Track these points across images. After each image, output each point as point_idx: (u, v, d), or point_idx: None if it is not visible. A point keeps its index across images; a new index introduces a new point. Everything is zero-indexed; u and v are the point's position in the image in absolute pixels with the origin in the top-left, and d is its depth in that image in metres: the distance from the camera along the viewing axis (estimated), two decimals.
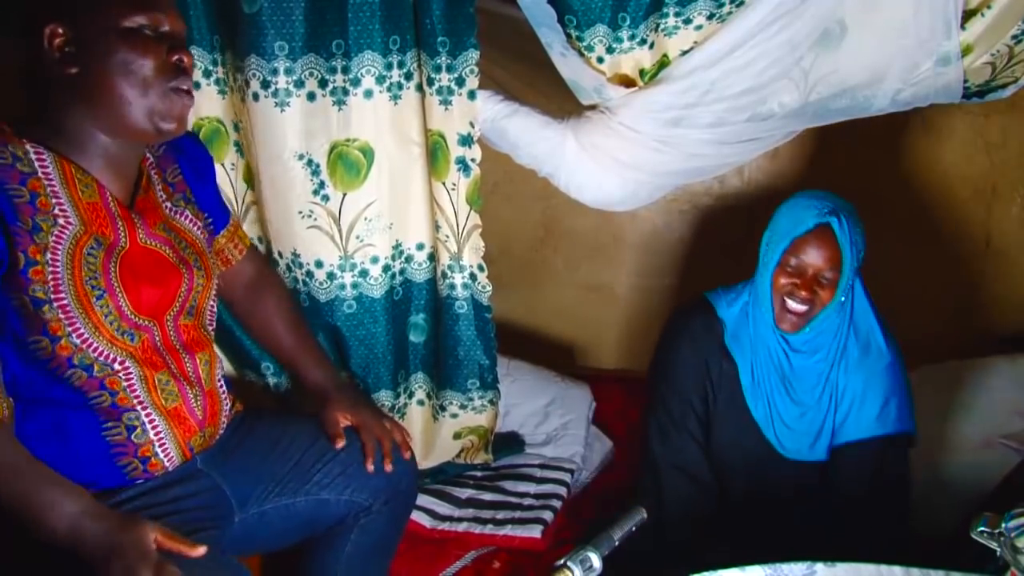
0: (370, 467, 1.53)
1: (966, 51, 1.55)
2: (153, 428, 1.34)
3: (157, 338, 1.36)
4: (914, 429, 1.68)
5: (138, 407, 1.32)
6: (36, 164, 1.25)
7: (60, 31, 1.25)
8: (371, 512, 1.53)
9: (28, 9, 1.27)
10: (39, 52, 1.26)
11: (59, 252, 1.24)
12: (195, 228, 1.48)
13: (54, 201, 1.25)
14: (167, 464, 1.36)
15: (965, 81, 1.60)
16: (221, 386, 1.49)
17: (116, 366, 1.30)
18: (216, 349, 1.52)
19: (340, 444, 1.53)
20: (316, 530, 1.53)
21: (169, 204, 1.44)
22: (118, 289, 1.30)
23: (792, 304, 1.61)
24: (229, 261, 1.64)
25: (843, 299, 1.62)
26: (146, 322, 1.34)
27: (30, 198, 1.23)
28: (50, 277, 1.23)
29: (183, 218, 1.46)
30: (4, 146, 1.24)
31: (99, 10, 1.26)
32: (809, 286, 1.59)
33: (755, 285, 1.68)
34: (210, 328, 1.49)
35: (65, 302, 1.25)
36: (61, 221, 1.25)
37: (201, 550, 1.18)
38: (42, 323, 1.24)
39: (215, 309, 1.50)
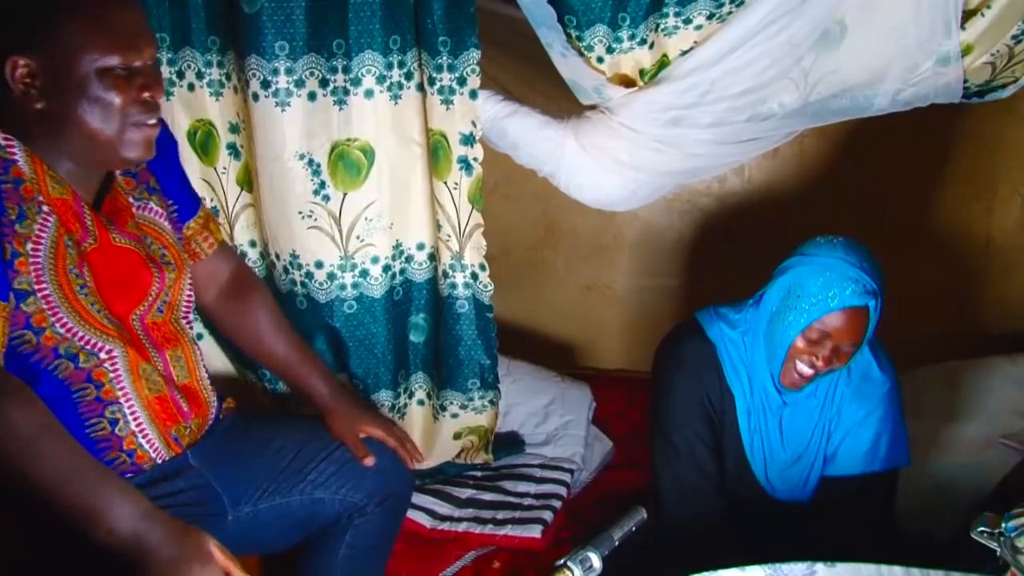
0: (368, 461, 1.52)
1: (966, 51, 1.55)
2: (134, 419, 1.33)
3: (126, 337, 1.34)
4: (906, 461, 1.64)
5: (121, 399, 1.31)
6: (10, 154, 1.23)
7: (23, 64, 1.21)
8: (365, 513, 1.53)
9: None
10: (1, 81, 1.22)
11: (43, 241, 1.22)
12: (161, 219, 1.45)
13: (36, 189, 1.24)
14: (154, 455, 1.35)
15: (965, 81, 1.60)
16: (203, 378, 1.47)
17: (102, 355, 1.28)
18: (192, 342, 1.47)
19: (371, 462, 1.52)
20: (311, 530, 1.53)
21: (133, 198, 1.41)
22: (91, 285, 1.28)
23: (803, 368, 1.55)
24: (197, 255, 1.58)
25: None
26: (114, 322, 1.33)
27: (14, 184, 1.21)
28: (32, 268, 1.21)
29: (148, 212, 1.43)
30: None
31: (73, 49, 1.22)
32: (829, 359, 1.53)
33: (762, 331, 1.61)
34: (184, 322, 1.46)
35: (47, 291, 1.23)
36: (46, 209, 1.24)
37: None
38: (25, 316, 1.22)
39: (192, 301, 1.47)
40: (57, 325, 1.24)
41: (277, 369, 1.69)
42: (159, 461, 1.36)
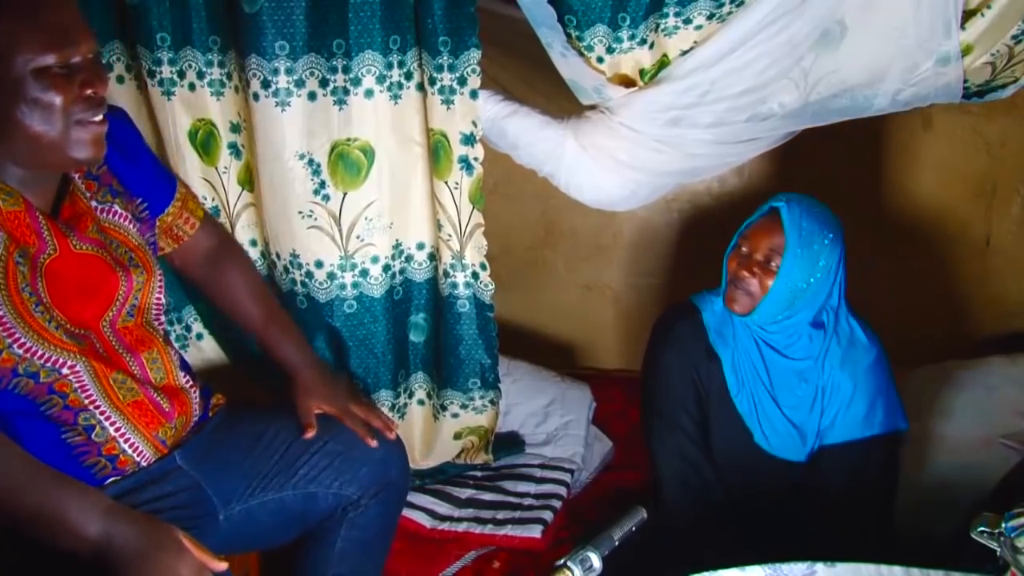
0: (372, 443, 1.52)
1: (966, 51, 1.55)
2: (112, 425, 1.31)
3: (97, 345, 1.32)
4: (904, 424, 1.68)
5: (91, 407, 1.29)
6: None
7: None
8: (360, 506, 1.51)
9: None
10: None
11: None
12: (127, 223, 1.42)
13: None
14: (139, 460, 1.34)
15: (965, 81, 1.60)
16: (183, 377, 1.45)
17: (64, 370, 1.26)
18: (167, 343, 1.46)
19: (310, 434, 1.50)
20: (307, 525, 1.51)
21: (96, 202, 1.38)
22: (48, 302, 1.25)
23: (736, 285, 1.63)
24: (180, 238, 1.57)
25: (801, 284, 1.60)
26: (81, 331, 1.30)
27: None
28: None
29: (112, 215, 1.40)
30: None
31: (4, 52, 1.18)
32: (750, 268, 1.61)
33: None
34: (156, 324, 1.44)
35: (1, 313, 1.19)
36: None
37: (223, 566, 1.15)
38: None
39: (162, 303, 1.45)
40: (15, 346, 1.21)
41: (253, 332, 1.66)
42: (144, 464, 1.35)
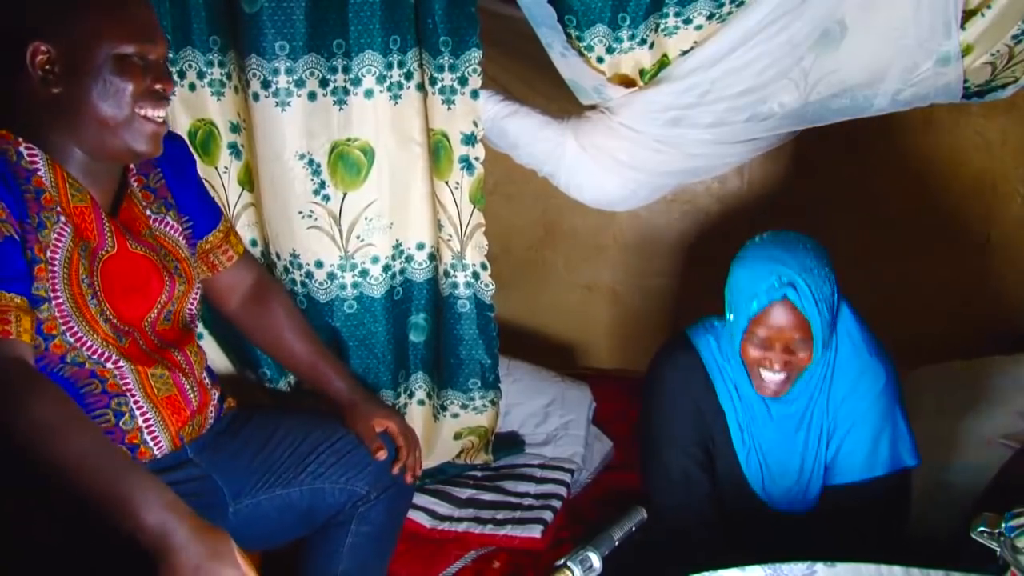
0: (408, 478, 1.58)
1: (966, 51, 1.56)
2: (142, 415, 1.34)
3: (140, 343, 1.37)
4: (912, 460, 1.58)
5: (127, 394, 1.33)
6: (31, 164, 1.26)
7: (44, 49, 1.24)
8: (369, 500, 1.54)
9: (8, 24, 1.25)
10: (18, 67, 1.24)
11: (59, 250, 1.25)
12: (176, 234, 1.48)
13: (56, 198, 1.27)
14: (156, 453, 1.37)
15: (965, 81, 1.60)
16: (206, 377, 1.50)
17: (108, 364, 1.31)
18: (200, 345, 1.52)
19: (383, 455, 1.53)
20: (314, 522, 1.53)
21: (150, 212, 1.44)
22: (100, 296, 1.31)
23: (766, 375, 1.52)
24: (216, 267, 1.60)
25: (825, 338, 1.51)
26: (126, 327, 1.34)
27: (35, 194, 1.24)
28: (49, 276, 1.24)
29: (164, 225, 1.46)
30: (7, 143, 1.24)
31: (93, 35, 1.26)
32: (781, 358, 1.49)
33: (729, 341, 1.58)
34: (191, 326, 1.50)
35: (61, 300, 1.25)
36: (63, 219, 1.26)
37: None
38: (37, 321, 1.24)
39: (194, 311, 1.50)
40: (68, 334, 1.27)
41: (298, 370, 1.71)
42: (158, 455, 1.37)
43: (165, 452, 1.38)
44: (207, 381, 1.49)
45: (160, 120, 1.33)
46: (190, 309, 1.48)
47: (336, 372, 1.65)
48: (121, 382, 1.32)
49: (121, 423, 1.33)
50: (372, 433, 1.56)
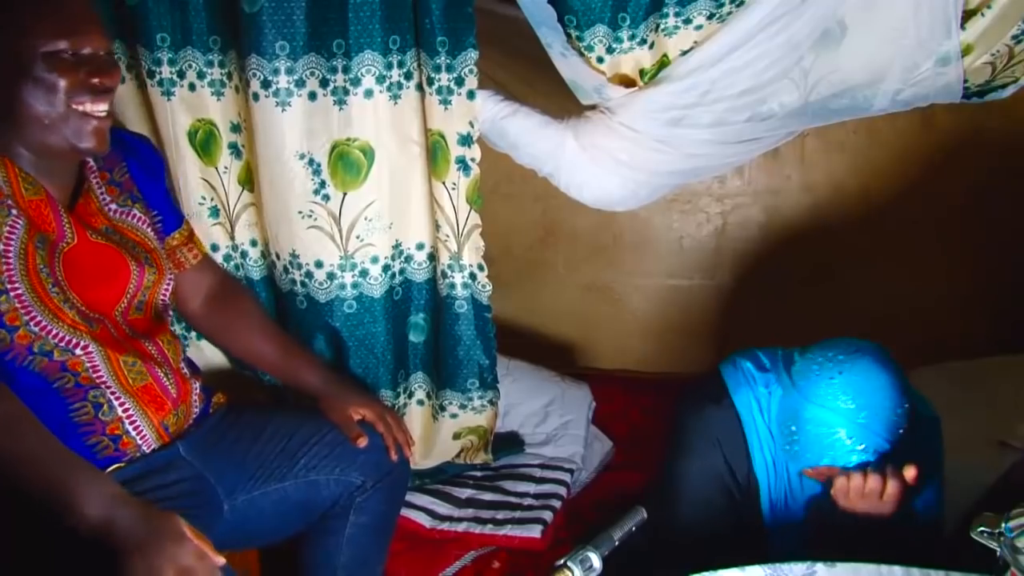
0: (394, 456, 1.57)
1: (966, 51, 1.55)
2: (121, 406, 1.35)
3: (112, 330, 1.37)
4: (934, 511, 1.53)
5: (101, 386, 1.33)
6: None
7: None
8: (366, 490, 1.54)
9: None
10: None
11: (12, 242, 1.26)
12: (144, 226, 1.48)
13: (7, 192, 1.27)
14: (141, 444, 1.37)
15: (965, 81, 1.60)
16: (183, 367, 1.50)
17: (77, 351, 1.31)
18: (174, 334, 1.52)
19: (363, 443, 1.53)
20: (311, 515, 1.54)
21: (115, 205, 1.45)
22: (64, 285, 1.31)
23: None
24: (182, 264, 1.62)
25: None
26: (96, 315, 1.35)
27: None
28: (4, 267, 1.24)
29: (131, 217, 1.46)
30: None
31: (19, 33, 1.26)
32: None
33: (775, 409, 1.47)
34: (164, 316, 1.50)
35: (20, 291, 1.26)
36: (15, 212, 1.27)
37: (221, 560, 1.16)
38: None
39: (167, 302, 1.50)
40: (31, 324, 1.27)
41: (269, 367, 1.71)
42: (146, 450, 1.38)
43: (153, 446, 1.38)
44: (186, 371, 1.49)
45: (101, 114, 1.32)
46: (163, 299, 1.48)
47: (307, 366, 1.66)
48: (94, 374, 1.32)
49: (100, 414, 1.33)
50: (350, 421, 1.56)
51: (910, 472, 1.35)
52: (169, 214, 1.59)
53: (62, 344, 1.29)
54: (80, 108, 1.29)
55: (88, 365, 1.32)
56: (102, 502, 1.14)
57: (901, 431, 1.37)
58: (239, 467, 1.48)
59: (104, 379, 1.33)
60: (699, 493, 1.51)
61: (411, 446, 1.64)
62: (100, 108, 1.32)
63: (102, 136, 1.33)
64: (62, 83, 1.27)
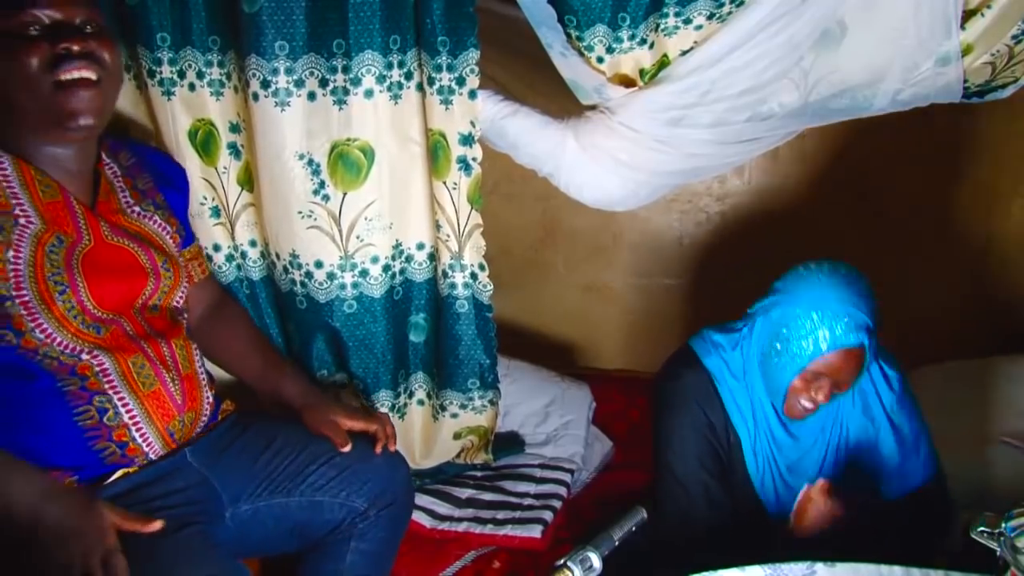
0: (392, 447, 1.58)
1: (966, 51, 1.55)
2: (127, 412, 1.34)
3: (128, 328, 1.37)
4: (933, 474, 1.61)
5: (109, 391, 1.33)
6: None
7: None
8: (368, 517, 1.52)
9: None
10: None
11: (21, 249, 1.26)
12: (163, 232, 1.49)
13: (14, 202, 1.27)
14: (147, 450, 1.36)
15: (965, 81, 1.60)
16: (201, 373, 1.49)
17: (84, 356, 1.31)
18: (187, 337, 1.51)
19: (348, 448, 1.53)
20: (311, 535, 1.52)
21: (138, 209, 1.46)
22: (81, 285, 1.31)
23: (805, 403, 1.50)
24: (191, 278, 1.61)
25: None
26: (111, 316, 1.35)
27: None
28: (12, 274, 1.25)
29: (152, 222, 1.47)
30: None
31: None
32: (828, 394, 1.49)
33: (756, 366, 1.57)
34: (180, 319, 1.50)
35: (27, 298, 1.26)
36: (23, 220, 1.27)
37: (157, 524, 1.21)
38: (7, 318, 1.25)
39: (181, 307, 1.51)
40: (37, 331, 1.27)
41: (251, 378, 1.70)
42: (153, 457, 1.37)
43: (159, 452, 1.38)
44: (202, 377, 1.49)
45: (77, 76, 1.27)
46: (177, 304, 1.49)
47: (289, 377, 1.66)
48: (103, 379, 1.32)
49: (105, 419, 1.33)
50: (335, 426, 1.56)
51: (821, 485, 1.51)
52: (188, 228, 1.62)
53: (67, 351, 1.30)
54: (61, 77, 1.25)
55: (98, 370, 1.32)
56: (32, 498, 1.17)
57: (877, 317, 1.46)
58: (246, 476, 1.47)
59: (114, 383, 1.33)
60: (688, 446, 1.58)
61: (394, 440, 1.63)
62: (81, 73, 1.27)
63: (93, 107, 1.29)
64: (30, 60, 1.23)
